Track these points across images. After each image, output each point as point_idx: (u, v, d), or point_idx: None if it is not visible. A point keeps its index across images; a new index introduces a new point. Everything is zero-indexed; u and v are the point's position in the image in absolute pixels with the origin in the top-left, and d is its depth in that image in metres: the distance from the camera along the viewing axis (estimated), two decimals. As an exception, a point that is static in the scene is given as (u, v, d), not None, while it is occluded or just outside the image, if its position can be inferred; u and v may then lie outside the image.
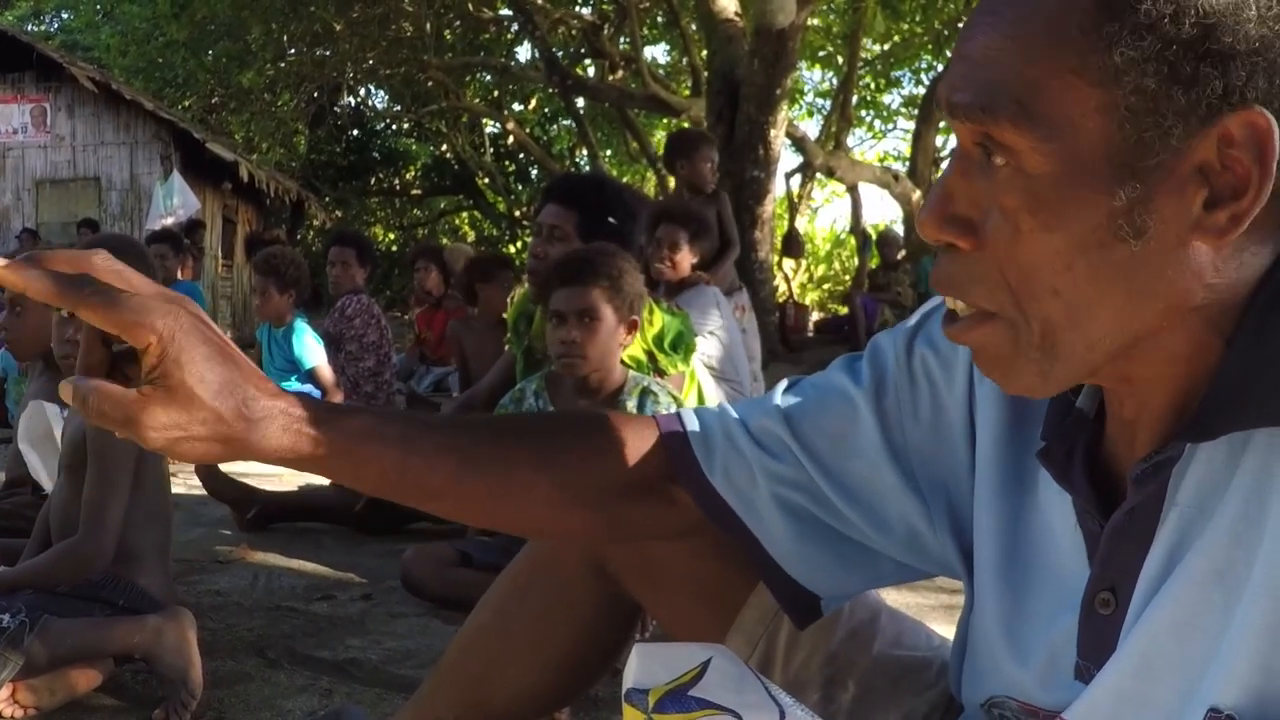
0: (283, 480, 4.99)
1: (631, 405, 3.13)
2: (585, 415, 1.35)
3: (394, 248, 29.44)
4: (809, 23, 14.37)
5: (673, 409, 3.11)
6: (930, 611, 3.20)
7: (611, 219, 3.85)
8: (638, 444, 1.31)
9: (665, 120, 20.55)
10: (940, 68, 18.65)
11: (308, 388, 6.05)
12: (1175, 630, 0.92)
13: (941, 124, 17.27)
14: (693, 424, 1.33)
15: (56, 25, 28.99)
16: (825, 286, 24.21)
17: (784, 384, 1.35)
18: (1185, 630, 0.92)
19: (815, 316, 16.57)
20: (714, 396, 5.60)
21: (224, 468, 4.35)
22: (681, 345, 3.75)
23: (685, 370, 3.77)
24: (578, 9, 20.51)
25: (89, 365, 1.06)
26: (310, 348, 6.21)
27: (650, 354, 3.63)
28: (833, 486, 1.26)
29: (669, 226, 5.94)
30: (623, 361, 3.30)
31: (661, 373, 3.61)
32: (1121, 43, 0.85)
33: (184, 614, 2.58)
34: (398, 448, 1.18)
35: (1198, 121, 0.85)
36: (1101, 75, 0.86)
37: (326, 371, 6.13)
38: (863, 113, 23.60)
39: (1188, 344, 0.93)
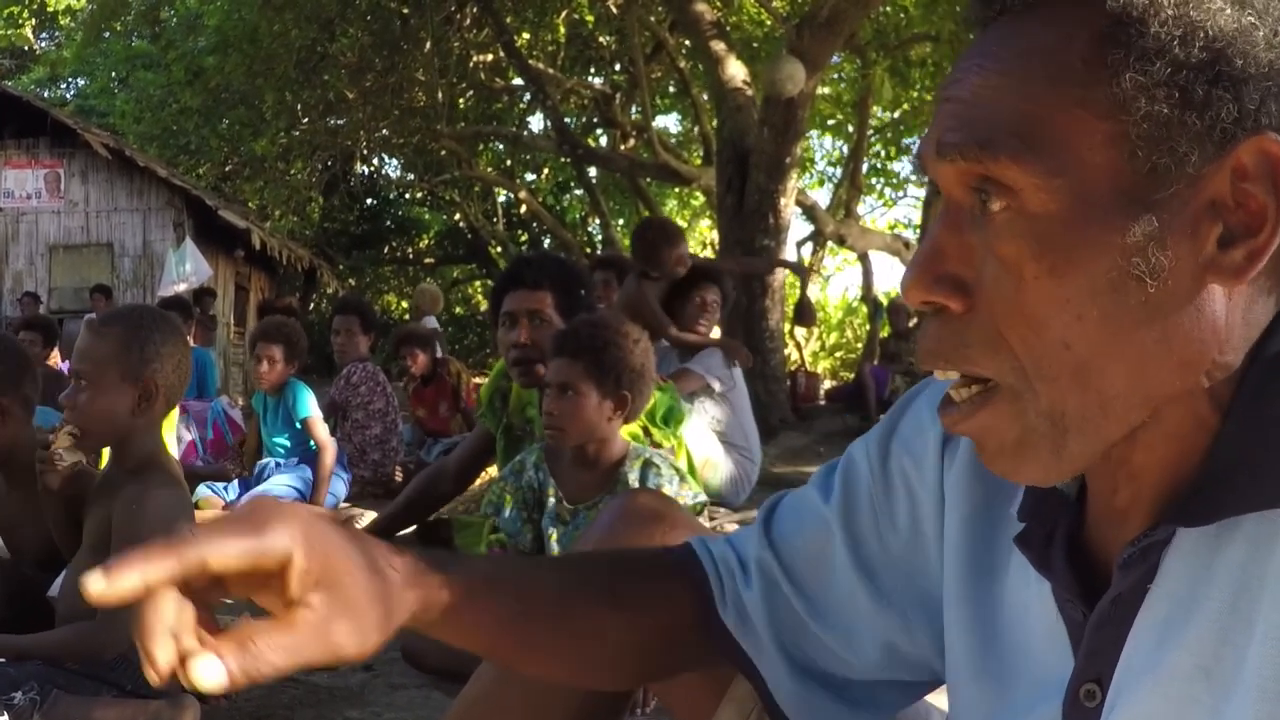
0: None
1: (633, 477, 3.11)
2: (611, 553, 1.39)
3: (406, 317, 29.54)
4: (818, 91, 14.46)
5: (675, 480, 3.12)
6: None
7: (583, 291, 3.84)
8: (671, 583, 1.30)
9: (677, 189, 20.68)
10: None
11: (303, 470, 6.03)
12: None
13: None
14: (705, 558, 1.31)
15: (71, 91, 29.29)
16: (837, 354, 24.16)
17: (768, 504, 1.34)
18: None
19: (827, 384, 16.55)
20: (717, 460, 5.60)
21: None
22: (673, 419, 3.75)
23: (675, 441, 3.76)
24: (589, 79, 20.67)
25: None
26: (310, 400, 6.08)
27: (645, 429, 3.62)
28: (810, 610, 1.25)
29: (708, 285, 6.05)
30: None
31: (657, 446, 3.59)
32: (1129, 69, 0.82)
33: (189, 701, 2.56)
34: (514, 585, 1.20)
35: (1213, 147, 0.82)
36: (1109, 105, 0.83)
37: (321, 428, 5.99)
38: (873, 180, 23.59)
39: (1190, 421, 0.89)
